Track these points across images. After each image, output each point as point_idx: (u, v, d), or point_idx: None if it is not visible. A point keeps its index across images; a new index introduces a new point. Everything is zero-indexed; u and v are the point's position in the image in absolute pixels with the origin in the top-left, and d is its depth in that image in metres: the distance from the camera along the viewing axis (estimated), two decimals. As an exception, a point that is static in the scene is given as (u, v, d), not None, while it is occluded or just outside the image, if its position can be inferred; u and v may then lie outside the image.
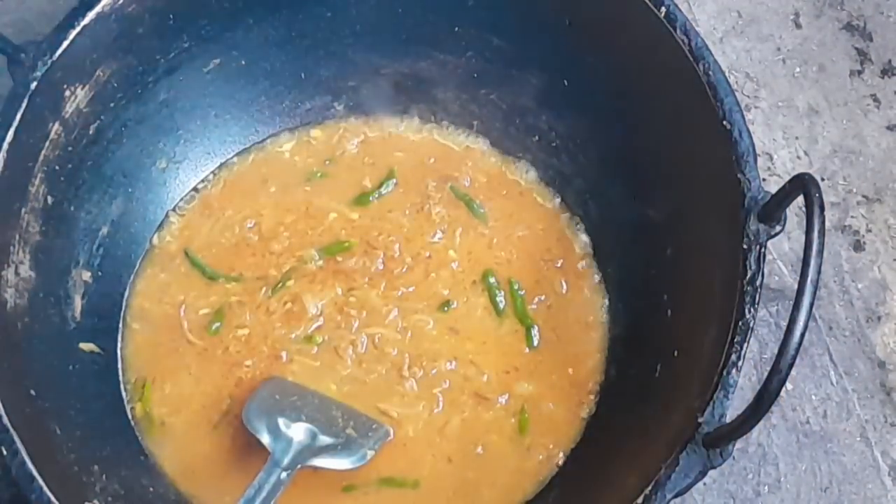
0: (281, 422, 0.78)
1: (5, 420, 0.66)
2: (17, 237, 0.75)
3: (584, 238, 0.90)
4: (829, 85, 1.03)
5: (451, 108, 0.95)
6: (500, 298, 0.88)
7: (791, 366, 0.56)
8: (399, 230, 0.91)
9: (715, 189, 0.72)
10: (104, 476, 0.74)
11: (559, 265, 0.90)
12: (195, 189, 0.93)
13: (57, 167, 0.79)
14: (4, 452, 0.65)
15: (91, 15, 0.76)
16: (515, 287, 0.88)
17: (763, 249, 0.66)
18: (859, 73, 1.04)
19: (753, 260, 0.66)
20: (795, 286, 0.58)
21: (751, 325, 0.65)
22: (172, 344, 0.86)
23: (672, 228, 0.81)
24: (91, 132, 0.82)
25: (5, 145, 0.72)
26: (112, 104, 0.83)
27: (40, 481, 0.65)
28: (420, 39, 0.91)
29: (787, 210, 0.66)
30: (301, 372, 0.85)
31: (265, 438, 0.77)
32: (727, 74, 0.74)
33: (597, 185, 0.90)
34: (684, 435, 0.64)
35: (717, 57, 0.73)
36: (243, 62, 0.90)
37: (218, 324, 0.87)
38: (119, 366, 0.85)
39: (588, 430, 0.84)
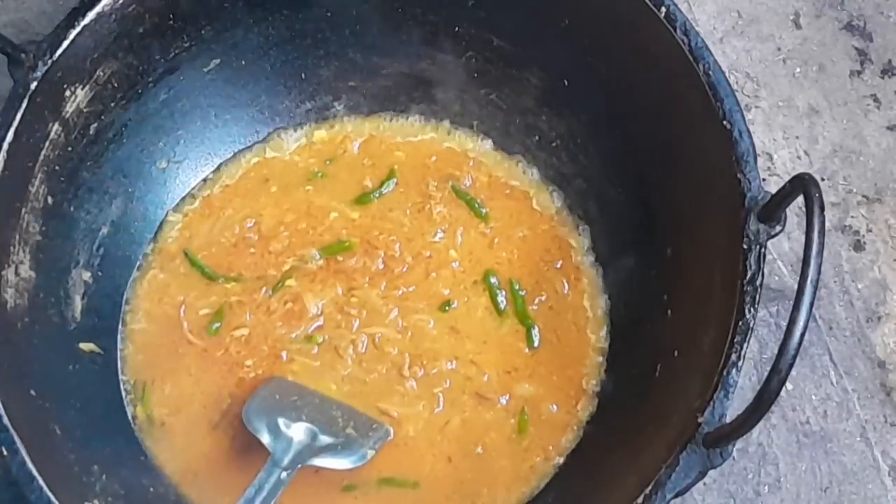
0: (281, 421, 0.78)
1: (5, 420, 0.66)
2: (17, 237, 0.75)
3: (585, 238, 0.90)
4: (829, 85, 1.03)
5: (451, 108, 0.95)
6: (501, 298, 0.88)
7: (791, 366, 0.56)
8: (400, 230, 0.91)
9: (715, 189, 0.72)
10: (104, 476, 0.74)
11: (559, 266, 0.90)
12: (195, 189, 0.93)
13: (57, 167, 0.79)
14: (4, 452, 0.65)
15: (91, 15, 0.76)
16: (516, 287, 0.88)
17: (763, 249, 0.66)
18: (859, 73, 1.04)
19: (753, 260, 0.66)
20: (795, 286, 0.58)
21: (751, 325, 0.65)
22: (172, 344, 0.86)
23: (672, 228, 0.81)
24: (91, 132, 0.82)
25: (5, 145, 0.72)
26: (112, 104, 0.83)
27: (40, 481, 0.65)
28: (420, 39, 0.91)
29: (787, 210, 0.66)
30: (301, 372, 0.85)
31: (265, 438, 0.77)
32: (727, 74, 0.74)
33: (597, 185, 0.90)
34: (684, 435, 0.64)
35: (717, 57, 0.73)
36: (243, 62, 0.90)
37: (218, 324, 0.87)
38: (119, 366, 0.85)
39: (588, 431, 0.84)
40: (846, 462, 0.88)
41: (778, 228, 0.67)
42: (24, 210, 0.76)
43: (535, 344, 0.87)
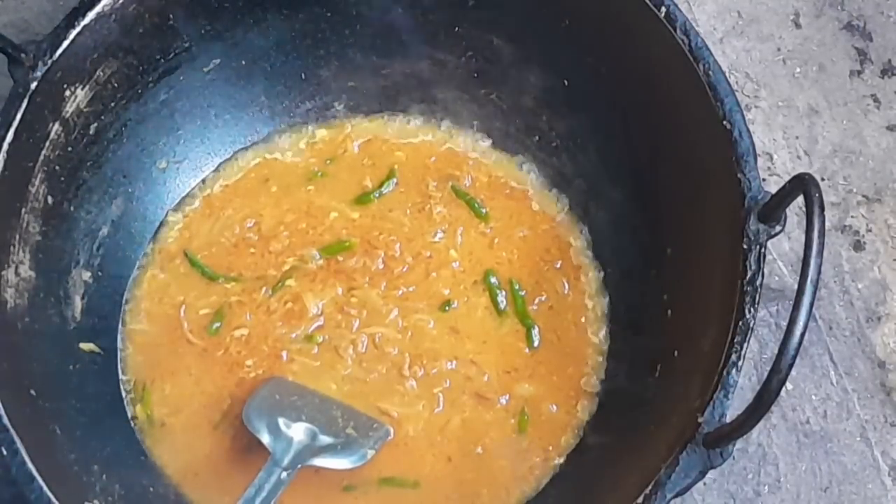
0: (281, 421, 0.78)
1: (5, 420, 0.66)
2: (17, 237, 0.75)
3: (585, 238, 0.90)
4: (829, 85, 1.03)
5: (451, 108, 0.95)
6: (501, 298, 0.88)
7: (791, 366, 0.56)
8: (400, 230, 0.91)
9: (715, 189, 0.72)
10: (104, 476, 0.74)
11: (559, 266, 0.90)
12: (195, 189, 0.93)
13: (57, 167, 0.79)
14: (4, 452, 0.65)
15: (91, 15, 0.76)
16: (516, 287, 0.88)
17: (763, 249, 0.66)
18: (859, 73, 1.04)
19: (753, 260, 0.66)
20: (795, 286, 0.58)
21: (751, 325, 0.65)
22: (172, 344, 0.86)
23: (672, 229, 0.81)
24: (91, 132, 0.82)
25: (5, 145, 0.72)
26: (112, 104, 0.83)
27: (40, 481, 0.65)
28: (420, 39, 0.91)
29: (787, 210, 0.66)
30: (301, 371, 0.85)
31: (265, 438, 0.77)
32: (727, 74, 0.74)
33: (597, 185, 0.90)
34: (684, 435, 0.64)
35: (717, 57, 0.73)
36: (243, 62, 0.90)
37: (218, 324, 0.87)
38: (119, 366, 0.85)
39: (588, 431, 0.84)
40: (846, 462, 0.88)
41: (778, 228, 0.67)
42: (24, 210, 0.76)
43: (535, 344, 0.86)
